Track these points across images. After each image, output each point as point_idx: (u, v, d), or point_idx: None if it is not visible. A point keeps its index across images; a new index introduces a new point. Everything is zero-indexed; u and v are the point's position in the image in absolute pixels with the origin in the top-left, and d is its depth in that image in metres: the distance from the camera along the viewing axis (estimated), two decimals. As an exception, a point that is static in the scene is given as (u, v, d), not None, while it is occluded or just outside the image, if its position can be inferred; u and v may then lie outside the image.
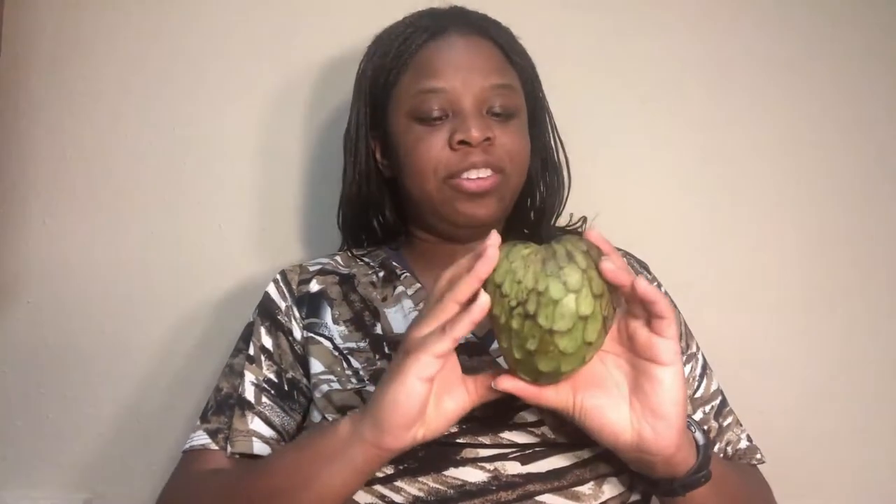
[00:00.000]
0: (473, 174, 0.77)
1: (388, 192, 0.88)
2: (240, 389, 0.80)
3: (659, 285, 0.89)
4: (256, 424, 0.78)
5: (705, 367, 0.86)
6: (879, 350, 1.09)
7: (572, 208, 0.93)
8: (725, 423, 0.83)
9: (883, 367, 1.09)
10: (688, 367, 0.84)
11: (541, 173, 0.89)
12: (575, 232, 0.90)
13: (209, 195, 1.05)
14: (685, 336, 0.87)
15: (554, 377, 0.60)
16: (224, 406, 0.80)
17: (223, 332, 1.00)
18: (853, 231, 1.11)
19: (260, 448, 0.77)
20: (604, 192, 1.07)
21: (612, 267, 0.56)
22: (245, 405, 0.79)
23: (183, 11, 1.06)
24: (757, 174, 1.10)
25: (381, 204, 0.88)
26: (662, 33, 1.11)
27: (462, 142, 0.77)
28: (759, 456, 0.84)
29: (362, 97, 0.86)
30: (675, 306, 0.87)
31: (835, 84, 1.12)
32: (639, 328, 0.60)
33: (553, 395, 0.62)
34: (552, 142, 0.90)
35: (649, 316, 0.59)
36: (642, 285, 0.57)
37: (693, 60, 1.11)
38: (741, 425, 0.85)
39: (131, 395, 1.03)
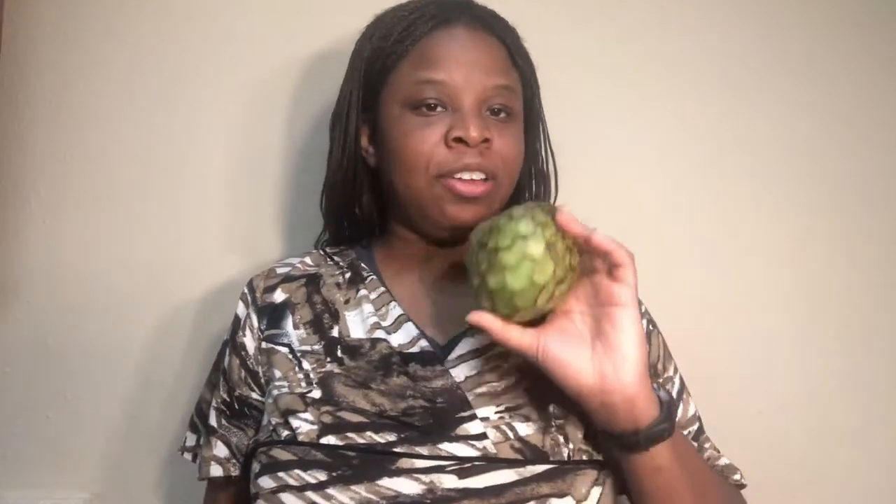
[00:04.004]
0: (466, 175, 0.74)
1: (370, 180, 0.84)
2: (209, 418, 0.82)
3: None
4: (218, 448, 0.81)
5: (682, 391, 0.82)
6: (878, 348, 1.07)
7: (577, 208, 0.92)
8: (703, 447, 0.81)
9: (881, 365, 1.07)
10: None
11: (528, 181, 0.86)
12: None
13: (210, 195, 1.04)
14: (663, 358, 0.83)
15: (505, 295, 0.64)
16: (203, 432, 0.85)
17: (224, 332, 1.00)
18: (851, 231, 1.08)
19: (215, 470, 0.80)
20: (598, 192, 1.06)
21: (567, 217, 0.63)
22: (211, 431, 0.82)
23: (183, 11, 1.05)
24: (754, 176, 1.08)
25: (361, 192, 0.84)
26: (659, 37, 1.08)
27: (459, 140, 0.73)
28: (737, 476, 0.83)
29: (356, 78, 0.81)
30: (655, 326, 0.85)
31: (831, 86, 1.09)
32: (601, 280, 0.65)
33: (517, 335, 0.65)
34: (543, 151, 0.87)
35: (610, 267, 0.64)
36: (597, 238, 0.63)
37: (689, 64, 1.08)
38: (718, 451, 0.83)
39: (131, 395, 1.02)
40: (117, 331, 1.02)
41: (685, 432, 0.80)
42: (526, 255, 0.62)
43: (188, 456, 0.86)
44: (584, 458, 0.70)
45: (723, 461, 0.83)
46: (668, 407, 0.66)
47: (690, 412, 0.82)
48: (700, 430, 0.83)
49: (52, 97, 1.04)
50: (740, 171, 1.08)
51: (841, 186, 1.10)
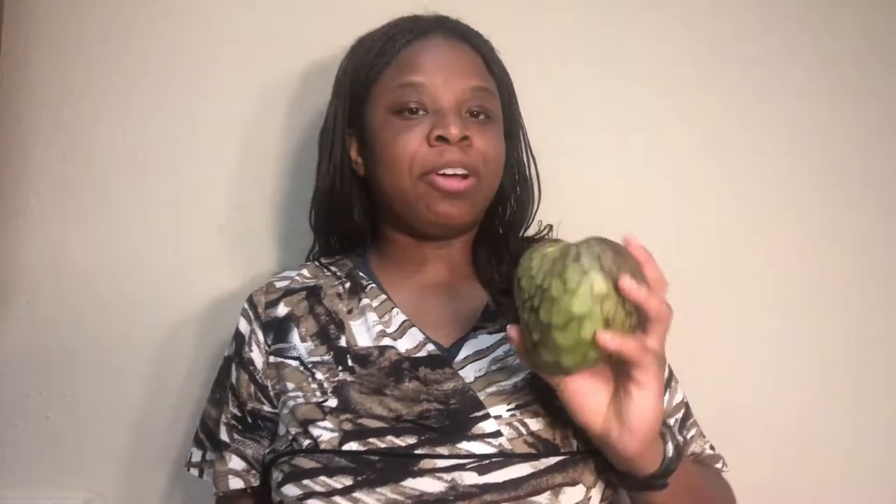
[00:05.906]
0: (449, 171, 0.78)
1: (359, 191, 0.87)
2: (220, 434, 0.84)
3: None
4: (234, 462, 0.83)
5: (670, 378, 0.84)
6: (880, 350, 1.08)
7: (563, 208, 0.93)
8: (689, 436, 0.84)
9: (884, 367, 1.08)
10: None
11: (512, 187, 0.89)
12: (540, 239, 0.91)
13: (209, 195, 1.04)
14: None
15: (558, 369, 0.63)
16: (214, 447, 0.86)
17: (222, 332, 1.00)
18: (853, 231, 1.09)
19: (234, 483, 0.82)
20: (581, 196, 1.06)
21: (628, 285, 0.59)
22: (223, 447, 0.83)
23: (183, 12, 1.05)
24: (751, 174, 1.09)
25: (352, 202, 0.87)
26: (647, 33, 1.09)
27: (440, 138, 0.78)
28: (720, 465, 0.86)
29: (342, 93, 0.86)
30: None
31: (831, 84, 1.11)
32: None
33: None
34: (525, 157, 0.91)
35: (645, 325, 0.62)
36: (633, 292, 0.60)
37: (679, 60, 1.10)
38: (704, 436, 0.86)
39: (131, 395, 1.02)
40: (117, 330, 1.03)
41: (672, 420, 0.83)
42: (580, 340, 0.60)
43: (194, 471, 0.88)
44: (591, 446, 0.72)
45: (707, 452, 0.85)
46: (669, 464, 0.68)
47: (677, 400, 0.84)
48: (686, 416, 0.85)
49: (52, 97, 1.04)
50: (732, 172, 1.10)
51: (840, 186, 1.10)
